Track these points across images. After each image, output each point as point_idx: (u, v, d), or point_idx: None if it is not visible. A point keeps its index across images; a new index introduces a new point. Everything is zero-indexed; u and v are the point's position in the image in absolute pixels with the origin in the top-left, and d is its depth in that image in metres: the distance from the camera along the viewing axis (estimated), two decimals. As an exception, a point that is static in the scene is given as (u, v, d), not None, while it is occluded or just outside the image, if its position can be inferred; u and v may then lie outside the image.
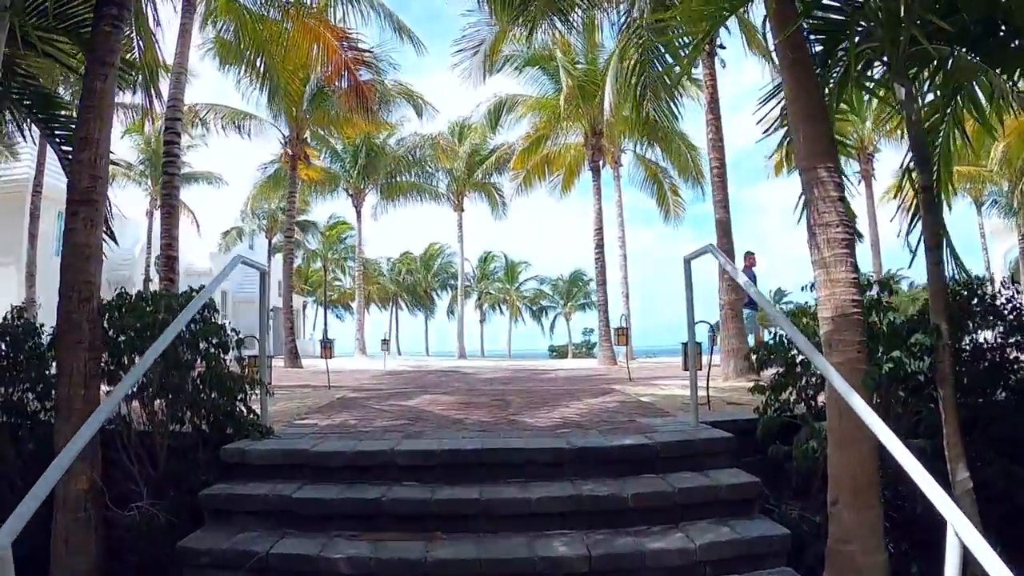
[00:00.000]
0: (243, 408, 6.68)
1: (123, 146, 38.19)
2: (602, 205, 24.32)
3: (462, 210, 38.53)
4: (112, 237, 7.81)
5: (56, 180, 32.94)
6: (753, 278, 17.46)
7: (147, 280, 38.39)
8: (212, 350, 6.65)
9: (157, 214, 39.45)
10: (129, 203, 39.89)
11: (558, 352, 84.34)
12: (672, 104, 12.37)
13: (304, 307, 69.61)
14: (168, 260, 13.20)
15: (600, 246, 23.71)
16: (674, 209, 31.45)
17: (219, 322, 6.99)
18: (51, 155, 32.26)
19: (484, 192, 39.28)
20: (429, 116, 26.95)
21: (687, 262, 6.85)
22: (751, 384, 7.00)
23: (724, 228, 13.43)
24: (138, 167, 38.67)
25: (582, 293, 74.14)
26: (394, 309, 76.28)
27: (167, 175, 13.49)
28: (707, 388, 8.07)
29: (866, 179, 29.58)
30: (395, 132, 35.50)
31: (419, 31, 21.07)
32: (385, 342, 23.17)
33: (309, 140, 25.75)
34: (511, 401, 9.75)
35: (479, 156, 37.97)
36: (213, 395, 6.44)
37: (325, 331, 66.78)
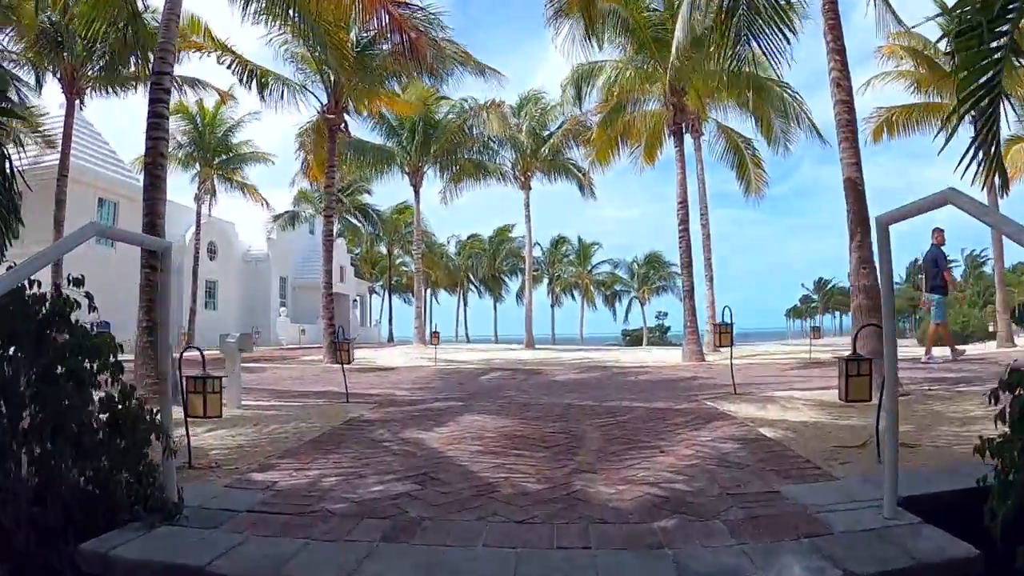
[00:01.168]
0: (134, 472, 4.16)
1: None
2: (686, 175, 21.23)
3: (529, 188, 35.61)
4: None
5: (92, 165, 31.72)
6: (944, 258, 14.77)
7: (196, 267, 36.77)
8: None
9: (208, 199, 38.22)
10: (178, 188, 38.52)
11: (631, 337, 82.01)
12: (783, 25, 9.46)
13: (371, 292, 68.27)
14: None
15: (684, 222, 20.63)
16: (755, 183, 28.46)
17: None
18: (82, 139, 31.19)
19: (553, 169, 36.24)
20: (492, 82, 23.75)
21: (884, 227, 3.91)
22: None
23: (855, 191, 10.02)
24: (186, 149, 36.74)
25: (658, 276, 71.08)
26: (462, 293, 74.22)
27: (151, 140, 10.99)
28: (876, 424, 5.18)
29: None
30: (453, 105, 32.91)
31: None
32: (435, 335, 20.49)
33: (352, 111, 22.98)
34: (577, 434, 6.88)
35: (546, 129, 35.06)
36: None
37: (390, 318, 65.15)
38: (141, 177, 32.10)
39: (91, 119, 34.02)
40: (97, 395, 4.13)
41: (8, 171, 6.82)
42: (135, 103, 24.44)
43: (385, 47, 19.88)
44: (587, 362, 20.32)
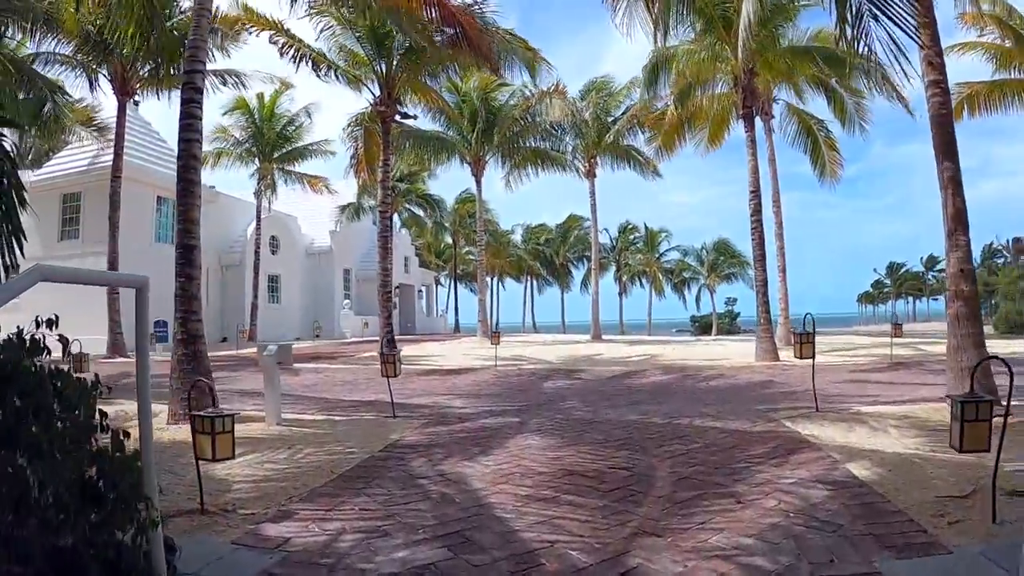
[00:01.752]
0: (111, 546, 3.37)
1: (225, 122, 36.53)
2: (757, 161, 19.86)
3: (594, 176, 34.54)
4: None
5: (150, 164, 31.63)
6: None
7: (257, 262, 36.60)
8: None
9: (269, 193, 37.95)
10: (238, 183, 38.46)
11: (701, 324, 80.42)
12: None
13: (437, 282, 67.94)
14: (185, 251, 10.11)
15: (757, 213, 19.33)
16: (831, 167, 27.10)
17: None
18: (140, 138, 31.11)
19: (619, 156, 35.09)
20: (545, 74, 22.69)
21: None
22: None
23: (954, 184, 8.90)
24: (245, 144, 36.61)
25: (727, 263, 69.47)
26: (529, 282, 73.47)
27: (184, 142, 10.40)
28: (993, 477, 4.30)
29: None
30: (513, 91, 32.05)
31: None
32: (496, 334, 19.51)
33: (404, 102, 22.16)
34: (641, 470, 5.97)
35: (610, 115, 33.99)
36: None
37: (456, 308, 64.74)
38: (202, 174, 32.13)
39: (149, 119, 34.06)
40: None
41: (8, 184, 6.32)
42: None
43: (437, 38, 19.16)
44: (655, 361, 19.34)
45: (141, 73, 24.57)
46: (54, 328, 3.93)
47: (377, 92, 20.35)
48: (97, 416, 3.88)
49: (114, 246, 24.20)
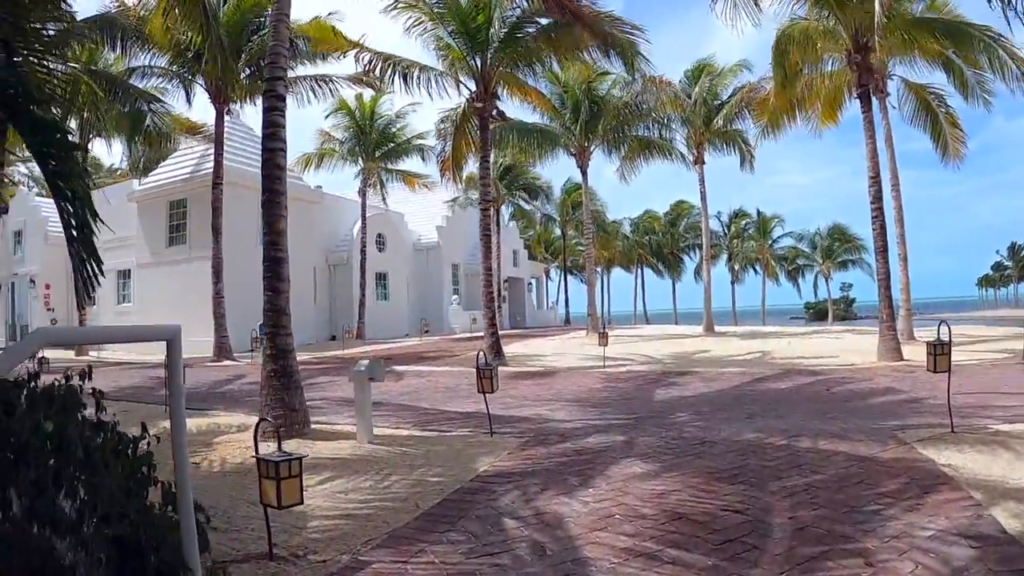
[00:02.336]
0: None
1: (327, 124, 36.89)
2: (876, 146, 18.51)
3: (703, 163, 33.47)
4: None
5: (254, 168, 31.89)
6: None
7: (364, 260, 36.74)
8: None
9: (370, 192, 38.13)
10: (344, 182, 38.74)
11: (815, 310, 78.11)
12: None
13: (547, 274, 67.61)
14: (272, 264, 9.82)
15: (878, 200, 18.03)
16: (953, 145, 25.40)
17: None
18: (242, 143, 31.49)
19: (728, 142, 34.01)
20: (646, 61, 21.57)
21: None
22: None
23: None
24: (348, 144, 36.85)
25: (843, 249, 66.96)
26: (639, 271, 72.37)
27: (268, 152, 10.10)
28: None
29: None
30: (616, 80, 31.25)
31: None
32: (604, 335, 18.51)
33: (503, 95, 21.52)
34: (756, 515, 5.22)
35: (716, 99, 32.81)
36: None
37: (566, 300, 64.24)
38: (304, 177, 32.40)
39: (252, 124, 34.44)
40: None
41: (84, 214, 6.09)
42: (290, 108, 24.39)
43: (531, 29, 18.61)
44: (770, 360, 18.34)
45: (236, 82, 24.83)
46: (87, 381, 3.59)
47: (473, 87, 19.80)
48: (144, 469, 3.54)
49: (218, 250, 24.53)
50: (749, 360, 18.60)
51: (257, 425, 5.09)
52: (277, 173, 9.99)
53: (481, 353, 8.97)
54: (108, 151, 64.40)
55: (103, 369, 23.52)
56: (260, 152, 28.07)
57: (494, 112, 20.04)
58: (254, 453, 5.07)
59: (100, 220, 6.32)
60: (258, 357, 22.48)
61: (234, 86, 24.78)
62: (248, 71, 24.55)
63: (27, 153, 26.75)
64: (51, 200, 24.21)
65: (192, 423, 10.97)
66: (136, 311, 33.56)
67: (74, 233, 5.98)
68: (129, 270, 34.96)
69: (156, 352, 29.90)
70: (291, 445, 8.77)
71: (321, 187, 43.46)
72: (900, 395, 11.53)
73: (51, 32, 16.03)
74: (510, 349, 23.81)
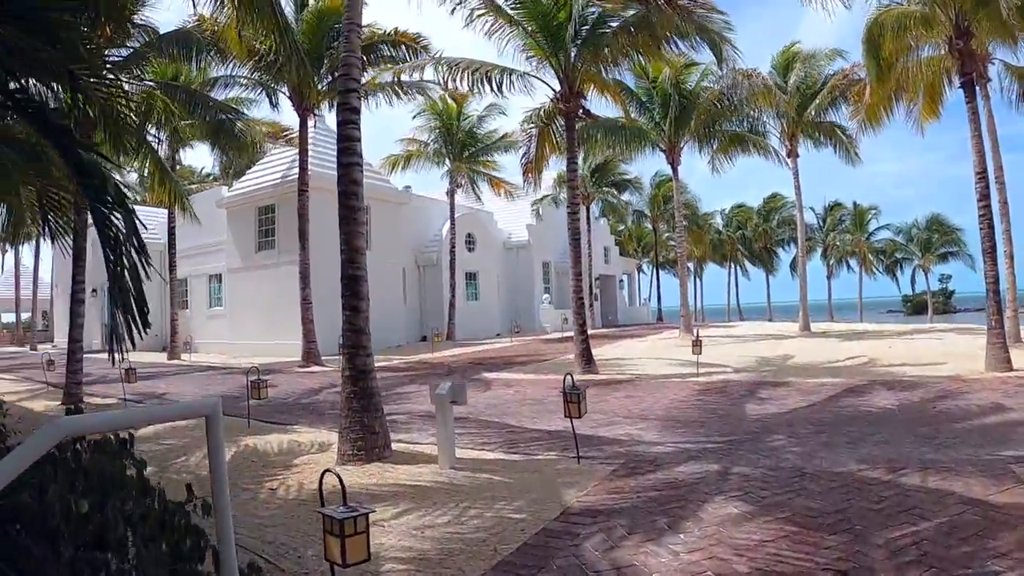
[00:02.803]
0: None
1: (414, 125, 36.87)
2: (982, 139, 16.96)
3: (796, 156, 32.30)
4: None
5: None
6: None
7: (453, 260, 36.62)
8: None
9: (459, 193, 37.99)
10: (431, 182, 38.79)
11: (913, 303, 75.64)
12: None
13: (639, 269, 66.95)
14: (349, 282, 9.55)
15: (985, 198, 16.60)
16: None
17: None
18: (327, 148, 31.63)
19: (821, 133, 32.65)
20: (732, 52, 20.52)
21: None
22: None
23: None
24: (434, 145, 36.81)
25: (941, 242, 64.41)
26: (732, 266, 70.87)
27: (343, 167, 9.81)
28: None
29: None
30: (706, 72, 30.44)
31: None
32: (697, 342, 17.05)
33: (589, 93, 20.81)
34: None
35: (810, 89, 31.55)
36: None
37: (659, 297, 63.41)
38: (391, 179, 32.37)
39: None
40: None
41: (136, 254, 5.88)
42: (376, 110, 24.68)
43: (614, 23, 17.99)
44: (871, 368, 17.22)
45: (319, 88, 24.94)
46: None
47: (557, 87, 19.27)
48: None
49: (305, 256, 24.58)
50: (848, 367, 17.58)
51: (321, 478, 4.75)
52: (353, 189, 9.68)
53: (569, 376, 8.50)
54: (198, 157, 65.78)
55: (194, 375, 23.88)
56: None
57: (580, 111, 19.43)
58: (319, 506, 4.76)
59: (149, 264, 6.09)
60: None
61: (315, 93, 24.85)
62: (331, 77, 24.57)
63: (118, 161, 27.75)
64: (143, 208, 24.46)
65: (274, 440, 10.85)
66: (227, 315, 34.09)
67: (115, 273, 5.73)
68: (220, 274, 35.56)
69: (249, 355, 30.66)
70: (371, 469, 8.53)
71: (410, 187, 43.57)
72: (1012, 414, 10.66)
73: (121, 55, 16.20)
74: (601, 352, 23.29)
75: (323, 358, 24.49)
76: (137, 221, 6.02)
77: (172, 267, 32.44)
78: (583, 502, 6.71)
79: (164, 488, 3.59)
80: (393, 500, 7.10)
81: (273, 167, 32.06)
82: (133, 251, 5.76)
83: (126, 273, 5.68)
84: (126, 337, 5.77)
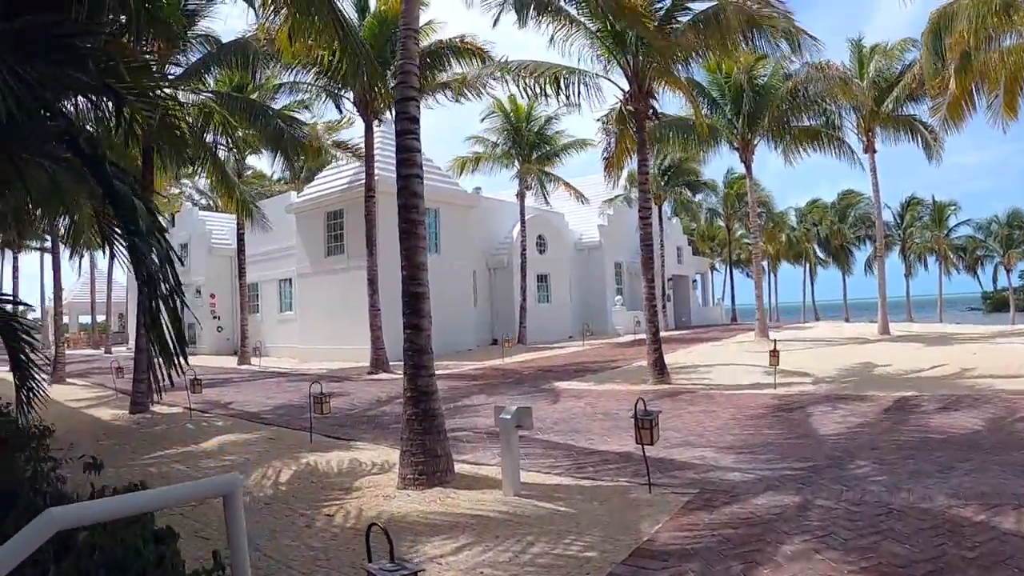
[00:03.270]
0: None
1: (479, 128, 36.68)
2: None
3: (874, 151, 31.17)
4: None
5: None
6: None
7: (524, 263, 36.27)
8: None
9: (529, 195, 37.56)
10: (501, 183, 38.47)
11: (993, 301, 73.44)
12: None
13: (712, 268, 66.14)
14: (411, 300, 9.21)
15: None
16: None
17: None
18: (392, 151, 31.64)
19: (899, 127, 31.37)
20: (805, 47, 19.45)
21: None
22: None
23: None
24: (502, 146, 36.50)
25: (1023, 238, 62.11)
26: (807, 265, 69.25)
27: (402, 179, 9.44)
28: None
29: None
30: (778, 66, 29.52)
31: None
32: (775, 353, 16.09)
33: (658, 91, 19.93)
34: None
35: (886, 81, 30.35)
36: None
37: (732, 297, 62.48)
38: (460, 181, 32.21)
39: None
40: None
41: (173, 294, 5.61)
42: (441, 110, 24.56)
43: (684, 18, 17.31)
44: (957, 380, 16.14)
45: (383, 94, 24.77)
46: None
47: (626, 87, 18.66)
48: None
49: (372, 263, 24.45)
50: (932, 379, 16.41)
51: (368, 530, 4.36)
52: (414, 202, 9.30)
53: (641, 402, 7.99)
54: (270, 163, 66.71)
55: (261, 381, 23.87)
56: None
57: (650, 112, 18.78)
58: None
59: (185, 306, 5.82)
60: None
61: (380, 98, 24.65)
62: (394, 82, 24.45)
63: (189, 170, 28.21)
64: (214, 215, 24.64)
65: (334, 458, 10.56)
66: (297, 319, 34.20)
67: (149, 310, 5.44)
68: (290, 279, 35.71)
69: (319, 360, 30.67)
70: (432, 495, 8.17)
71: (480, 189, 43.36)
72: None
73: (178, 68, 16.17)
74: (674, 359, 22.71)
75: (392, 364, 24.31)
76: (173, 255, 5.74)
77: (241, 273, 32.60)
78: (656, 541, 6.23)
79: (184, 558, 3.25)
80: (452, 532, 6.73)
81: (342, 171, 32.06)
82: (165, 285, 5.44)
83: (162, 308, 5.37)
84: (164, 376, 5.46)
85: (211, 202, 63.82)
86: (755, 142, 30.80)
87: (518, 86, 18.52)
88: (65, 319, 67.33)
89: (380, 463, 10.01)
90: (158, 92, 11.44)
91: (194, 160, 19.94)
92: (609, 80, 18.87)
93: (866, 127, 30.69)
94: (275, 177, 55.45)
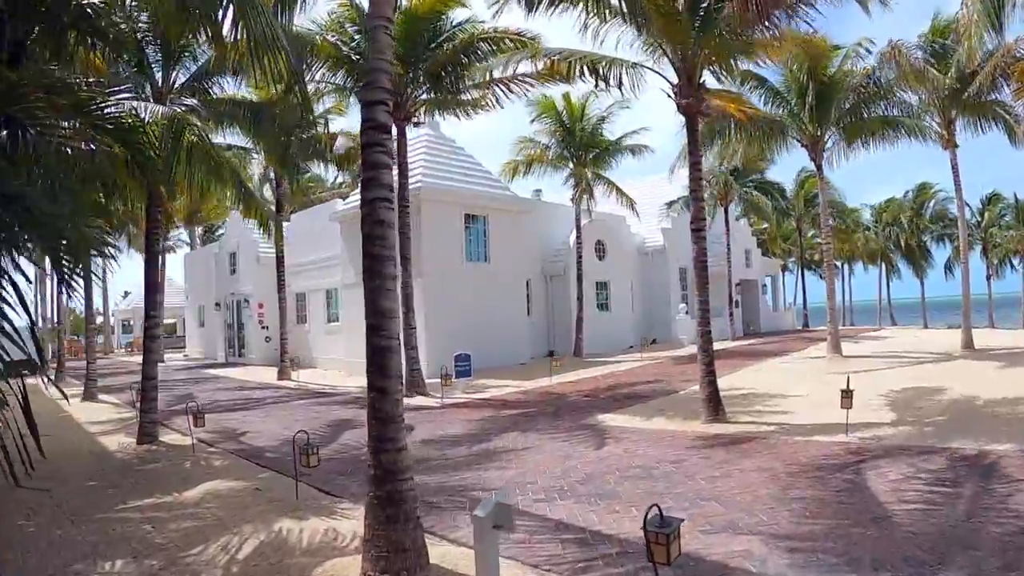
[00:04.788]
0: None
1: (530, 130, 34.91)
2: None
3: (955, 146, 28.23)
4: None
5: (455, 182, 30.32)
6: None
7: (580, 271, 34.36)
8: None
9: (585, 199, 35.46)
10: (559, 187, 36.73)
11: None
12: None
13: (784, 269, 63.64)
14: (377, 354, 7.48)
15: None
16: None
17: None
18: (442, 157, 30.01)
19: (985, 116, 28.20)
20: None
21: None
22: None
23: None
24: (555, 149, 34.59)
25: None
26: (883, 266, 65.82)
27: (367, 204, 7.62)
28: None
29: None
30: (849, 54, 26.93)
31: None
32: (847, 395, 13.19)
33: (713, 83, 17.43)
34: None
35: (969, 65, 27.24)
36: None
37: (804, 301, 59.76)
38: (513, 186, 30.52)
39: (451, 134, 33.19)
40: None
41: None
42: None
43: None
44: None
45: (416, 96, 23.30)
46: None
47: (675, 80, 16.41)
48: None
49: (407, 277, 22.71)
50: None
51: None
52: (380, 232, 7.47)
53: (656, 509, 5.95)
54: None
55: (294, 403, 22.30)
56: (462, 165, 26.87)
57: (703, 107, 16.45)
58: None
59: None
60: (448, 395, 20.57)
61: (412, 101, 23.15)
62: (428, 84, 22.95)
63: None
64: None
65: (308, 527, 9.03)
66: (344, 330, 32.76)
67: None
68: (336, 289, 34.38)
69: (363, 375, 28.91)
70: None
71: (540, 191, 41.52)
72: None
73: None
74: (735, 381, 20.67)
75: (428, 383, 22.66)
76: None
77: (280, 285, 31.31)
78: None
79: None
80: None
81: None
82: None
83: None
84: None
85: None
86: (825, 139, 28.14)
87: (552, 71, 16.53)
88: (133, 323, 67.52)
89: (360, 536, 8.24)
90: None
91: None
92: (655, 72, 16.54)
93: (946, 119, 27.88)
94: (338, 182, 54.25)
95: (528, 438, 14.39)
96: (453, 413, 18.72)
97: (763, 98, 27.73)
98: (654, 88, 17.77)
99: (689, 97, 15.90)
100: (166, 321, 64.91)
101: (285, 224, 32.21)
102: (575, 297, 34.94)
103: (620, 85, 16.17)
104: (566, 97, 33.70)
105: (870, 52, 25.78)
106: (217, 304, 46.23)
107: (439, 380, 21.35)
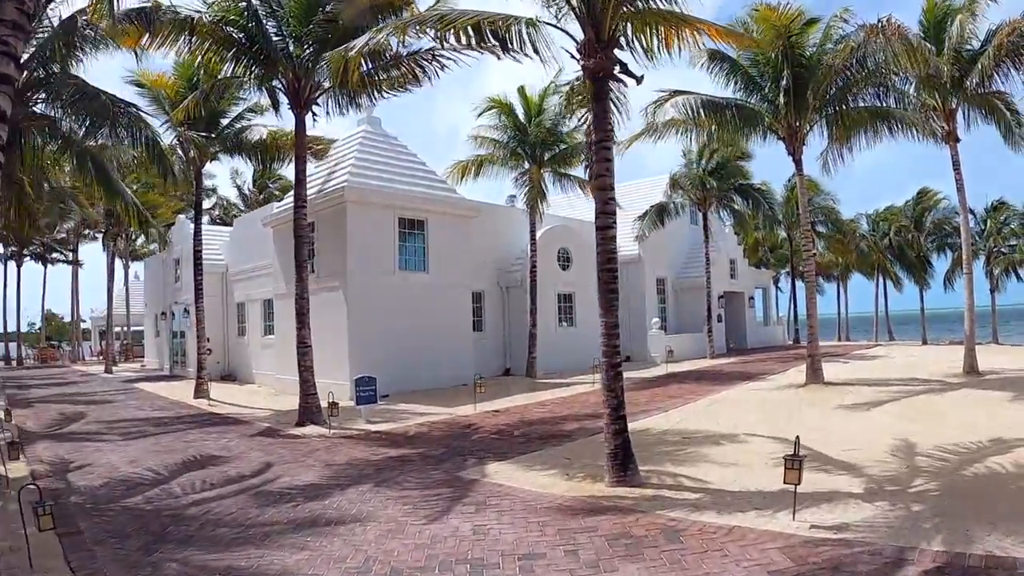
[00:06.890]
0: None
1: (478, 124, 31.66)
2: None
3: (956, 140, 24.88)
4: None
5: (390, 183, 26.99)
6: None
7: (533, 281, 30.99)
8: None
9: (559, 201, 32.02)
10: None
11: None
12: None
13: (775, 282, 60.62)
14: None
15: None
16: None
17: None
18: (379, 155, 26.72)
19: (988, 108, 24.62)
20: None
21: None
22: None
23: None
24: (506, 147, 31.56)
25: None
26: (880, 278, 62.16)
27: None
28: None
29: None
30: (828, 31, 23.29)
31: None
32: (794, 469, 8.80)
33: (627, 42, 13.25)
34: None
35: (970, 50, 23.81)
36: None
37: (794, 315, 56.69)
38: (456, 188, 27.53)
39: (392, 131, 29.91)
40: None
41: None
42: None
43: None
44: None
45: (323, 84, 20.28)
46: None
47: (581, 36, 12.39)
48: None
49: (302, 288, 20.21)
50: None
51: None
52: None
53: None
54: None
55: (168, 431, 18.55)
56: (401, 164, 23.34)
57: (614, 69, 12.70)
58: None
59: None
60: (345, 425, 17.42)
61: (311, 85, 19.92)
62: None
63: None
64: (205, 227, 19.20)
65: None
66: (278, 344, 29.48)
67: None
68: (271, 299, 31.13)
69: (293, 393, 25.53)
70: None
71: (515, 197, 38.51)
72: None
73: None
74: (677, 417, 17.55)
75: (344, 406, 19.44)
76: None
77: (198, 293, 28.23)
78: None
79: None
80: None
81: (317, 178, 27.27)
82: None
83: None
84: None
85: (222, 214, 60.14)
86: (805, 129, 24.49)
87: (437, 39, 12.93)
88: (116, 329, 64.73)
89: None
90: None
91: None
92: (558, 28, 12.67)
93: (946, 110, 24.44)
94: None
95: (374, 497, 10.96)
96: (329, 450, 15.40)
97: (730, 79, 24.36)
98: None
99: (596, 56, 12.25)
100: (135, 328, 62.44)
101: (227, 228, 29.18)
102: (528, 311, 31.52)
103: (522, 48, 12.43)
104: (521, 91, 30.42)
105: (849, 22, 22.22)
106: (163, 313, 43.27)
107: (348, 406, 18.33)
